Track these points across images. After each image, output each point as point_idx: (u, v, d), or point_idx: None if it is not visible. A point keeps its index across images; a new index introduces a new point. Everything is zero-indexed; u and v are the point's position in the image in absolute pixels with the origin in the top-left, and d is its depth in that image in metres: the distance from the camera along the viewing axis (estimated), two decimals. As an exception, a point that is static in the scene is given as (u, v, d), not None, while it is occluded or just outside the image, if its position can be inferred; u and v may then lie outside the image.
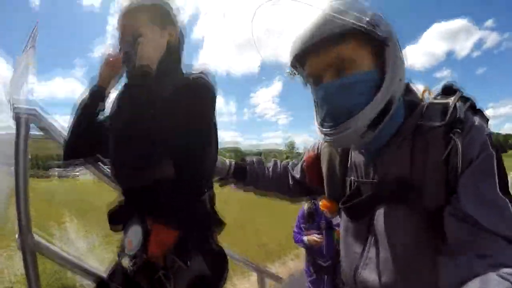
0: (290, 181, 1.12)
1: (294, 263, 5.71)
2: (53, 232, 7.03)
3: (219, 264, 1.00)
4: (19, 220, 1.07)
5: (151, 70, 0.88)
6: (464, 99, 0.69)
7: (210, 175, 1.04)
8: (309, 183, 1.02)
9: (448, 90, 0.73)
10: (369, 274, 0.77)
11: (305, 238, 2.53)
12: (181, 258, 0.89)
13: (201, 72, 0.96)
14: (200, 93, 0.92)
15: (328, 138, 0.72)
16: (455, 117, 0.64)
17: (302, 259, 4.52)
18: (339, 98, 0.68)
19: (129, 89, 0.92)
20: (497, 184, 0.58)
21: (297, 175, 1.09)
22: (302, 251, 3.84)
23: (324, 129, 0.72)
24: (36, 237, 1.10)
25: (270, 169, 1.15)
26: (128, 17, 0.95)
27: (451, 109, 0.66)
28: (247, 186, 1.16)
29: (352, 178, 0.82)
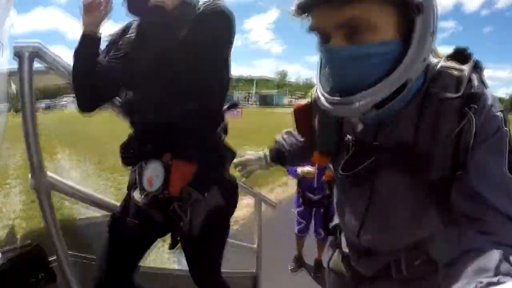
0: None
1: (281, 190, 5.86)
2: (46, 164, 7.11)
3: (231, 193, 1.05)
4: (31, 159, 1.04)
5: (169, 9, 0.83)
6: (476, 66, 0.64)
7: (222, 105, 1.04)
8: (299, 133, 0.97)
9: (460, 55, 0.67)
10: (370, 238, 0.79)
11: (299, 169, 2.63)
12: (199, 190, 0.92)
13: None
14: (219, 22, 0.89)
15: (327, 105, 0.64)
16: (470, 90, 0.60)
17: (290, 188, 4.74)
18: (346, 67, 0.59)
19: (147, 27, 0.86)
20: (506, 163, 0.57)
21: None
22: (291, 180, 3.97)
23: (325, 94, 0.65)
24: (49, 174, 1.08)
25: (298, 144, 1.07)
26: None
27: (465, 81, 0.61)
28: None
29: (349, 137, 0.76)
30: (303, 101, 0.90)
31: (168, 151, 0.88)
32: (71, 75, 0.99)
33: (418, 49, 0.57)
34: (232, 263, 1.19)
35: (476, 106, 0.58)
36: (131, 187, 0.99)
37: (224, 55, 0.93)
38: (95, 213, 1.56)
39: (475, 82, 0.61)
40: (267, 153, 1.08)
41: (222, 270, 1.15)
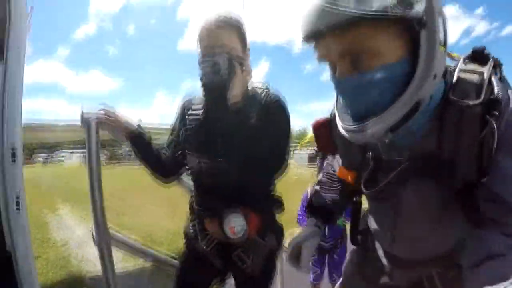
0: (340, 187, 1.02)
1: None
2: (47, 220, 7.04)
3: (280, 235, 1.23)
4: (95, 216, 1.23)
5: (239, 103, 1.08)
6: (495, 66, 0.64)
7: None
8: (319, 150, 1.02)
9: (478, 56, 0.66)
10: (402, 250, 0.82)
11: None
12: (261, 236, 1.11)
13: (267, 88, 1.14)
14: (281, 116, 1.13)
15: (344, 132, 0.66)
16: (491, 94, 0.59)
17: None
18: (355, 96, 0.61)
19: (214, 110, 1.09)
20: None
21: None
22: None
23: (341, 121, 0.67)
24: (111, 231, 1.28)
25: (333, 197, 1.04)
26: (219, 29, 1.04)
27: (485, 85, 0.60)
28: None
29: (370, 154, 0.78)
30: (322, 117, 0.90)
31: (242, 205, 1.07)
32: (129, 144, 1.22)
33: (427, 67, 0.55)
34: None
35: (497, 113, 0.57)
36: (191, 240, 1.21)
37: (287, 137, 1.16)
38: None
39: (495, 85, 0.60)
40: (318, 223, 1.02)
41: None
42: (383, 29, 0.54)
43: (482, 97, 0.59)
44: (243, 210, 1.05)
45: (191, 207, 1.24)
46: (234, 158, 1.06)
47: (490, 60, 0.64)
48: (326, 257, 2.95)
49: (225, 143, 1.08)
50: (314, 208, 1.05)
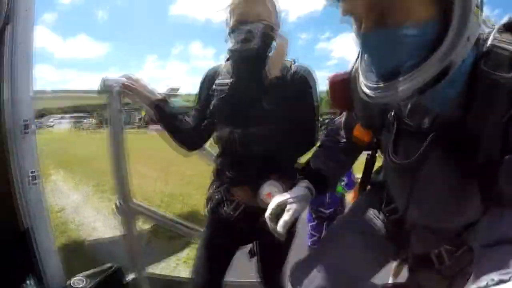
0: (344, 150, 0.99)
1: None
2: (44, 186, 7.01)
3: None
4: (121, 187, 1.22)
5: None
6: None
7: None
8: (334, 106, 0.93)
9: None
10: (417, 215, 0.80)
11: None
12: None
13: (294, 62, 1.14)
14: (311, 89, 1.13)
15: (368, 91, 0.63)
16: None
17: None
18: (380, 53, 0.58)
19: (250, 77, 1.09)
20: None
21: (344, 139, 0.98)
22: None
23: (364, 81, 0.64)
24: (135, 201, 1.27)
25: (331, 158, 0.99)
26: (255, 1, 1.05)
27: None
28: None
29: (393, 116, 0.74)
30: (340, 72, 0.85)
31: (274, 173, 1.08)
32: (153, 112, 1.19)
33: (460, 28, 0.52)
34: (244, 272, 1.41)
35: None
36: (216, 206, 1.21)
37: (315, 103, 1.16)
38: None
39: None
40: (310, 185, 0.92)
41: (233, 279, 1.33)
42: None
43: None
44: (276, 177, 1.06)
45: (216, 174, 1.24)
46: (268, 127, 1.07)
47: None
48: (325, 224, 3.05)
49: (259, 113, 1.08)
50: (310, 170, 0.97)
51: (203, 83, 1.21)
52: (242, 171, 1.13)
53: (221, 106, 1.13)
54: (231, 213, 1.16)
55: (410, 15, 0.52)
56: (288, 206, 0.83)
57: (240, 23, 1.04)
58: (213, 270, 1.23)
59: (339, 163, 0.99)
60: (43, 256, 1.12)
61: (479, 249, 0.58)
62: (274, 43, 1.09)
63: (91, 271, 1.24)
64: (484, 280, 0.48)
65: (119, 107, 1.17)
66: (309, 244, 3.16)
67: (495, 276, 0.47)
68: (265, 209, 0.93)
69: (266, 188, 1.05)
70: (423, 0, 0.52)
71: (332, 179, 0.98)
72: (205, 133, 1.23)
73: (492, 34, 0.59)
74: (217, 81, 1.15)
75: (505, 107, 0.56)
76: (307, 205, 0.90)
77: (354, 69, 0.78)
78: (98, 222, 4.20)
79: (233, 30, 1.05)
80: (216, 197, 1.21)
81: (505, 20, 0.61)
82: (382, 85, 0.59)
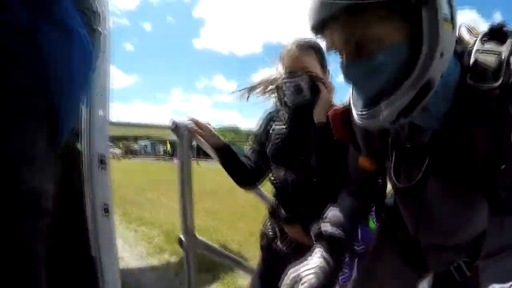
0: (354, 194, 0.97)
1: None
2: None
3: None
4: (185, 222, 1.28)
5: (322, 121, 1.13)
6: None
7: None
8: (337, 139, 0.91)
9: (496, 34, 0.62)
10: (428, 235, 0.81)
11: None
12: None
13: None
14: None
15: (357, 119, 0.65)
16: (509, 77, 0.55)
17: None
18: (361, 82, 0.61)
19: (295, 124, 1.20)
20: None
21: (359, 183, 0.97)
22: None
23: (354, 108, 0.66)
24: (198, 237, 1.33)
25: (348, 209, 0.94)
26: (302, 52, 1.15)
27: (504, 66, 0.56)
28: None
29: (391, 139, 0.75)
30: (339, 106, 0.88)
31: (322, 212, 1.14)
32: (215, 154, 1.30)
33: (431, 44, 0.53)
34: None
35: None
36: (269, 241, 1.33)
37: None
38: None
39: None
40: (325, 254, 0.86)
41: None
42: (383, 13, 0.53)
43: (500, 80, 0.55)
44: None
45: (271, 212, 1.33)
46: (317, 172, 1.15)
47: (510, 38, 0.59)
48: (356, 260, 2.96)
49: (309, 159, 1.16)
50: (323, 237, 0.90)
51: (261, 124, 1.34)
52: (295, 211, 1.22)
53: (276, 151, 1.24)
54: (283, 249, 1.26)
55: (381, 43, 0.55)
56: (303, 280, 0.79)
57: (289, 75, 1.15)
58: None
59: (353, 213, 0.94)
60: (106, 284, 1.18)
61: (482, 260, 0.58)
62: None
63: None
64: None
65: (188, 148, 1.26)
66: (340, 282, 3.05)
67: (497, 285, 0.48)
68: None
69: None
70: (393, 26, 0.55)
71: (348, 237, 0.91)
72: (262, 173, 1.35)
73: (475, 46, 0.61)
74: (273, 126, 1.27)
75: (493, 116, 0.57)
76: (323, 275, 0.81)
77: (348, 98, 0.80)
78: (125, 253, 4.21)
79: (285, 82, 1.17)
80: (270, 233, 1.33)
81: (486, 29, 0.64)
82: (367, 111, 0.61)
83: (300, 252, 1.13)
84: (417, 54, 0.54)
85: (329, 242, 0.87)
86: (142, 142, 31.49)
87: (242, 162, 1.32)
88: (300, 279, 0.79)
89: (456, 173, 0.66)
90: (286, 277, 0.82)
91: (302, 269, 0.82)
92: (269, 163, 1.29)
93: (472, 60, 0.59)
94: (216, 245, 1.51)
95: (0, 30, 0.49)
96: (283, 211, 1.24)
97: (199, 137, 1.26)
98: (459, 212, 0.74)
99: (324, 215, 0.95)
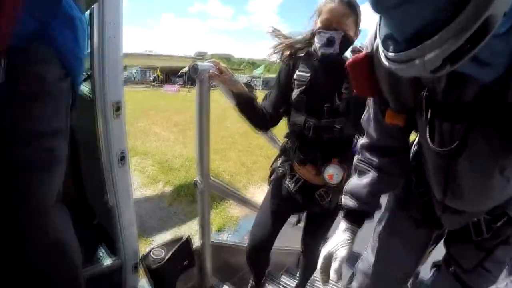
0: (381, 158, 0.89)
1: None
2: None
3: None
4: (201, 165, 1.30)
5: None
6: None
7: None
8: (358, 93, 0.81)
9: None
10: (451, 201, 0.79)
11: None
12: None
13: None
14: None
15: (390, 64, 0.51)
16: None
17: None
18: (397, 12, 0.44)
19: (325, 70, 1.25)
20: None
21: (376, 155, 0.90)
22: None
23: (384, 50, 0.52)
24: (212, 179, 1.38)
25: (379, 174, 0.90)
26: (344, 10, 1.16)
27: None
28: None
29: (425, 93, 0.65)
30: (358, 55, 0.74)
31: (335, 157, 1.28)
32: (233, 99, 1.30)
33: None
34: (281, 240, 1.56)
35: None
36: (279, 178, 1.44)
37: None
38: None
39: None
40: (351, 226, 0.90)
41: (275, 246, 1.50)
42: None
43: None
44: (338, 161, 1.27)
45: (284, 151, 1.45)
46: (337, 119, 1.24)
47: None
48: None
49: (331, 106, 1.24)
50: (348, 211, 0.92)
51: (284, 69, 1.35)
52: (310, 153, 1.31)
53: (300, 97, 1.28)
54: (291, 185, 1.38)
55: None
56: (335, 255, 0.85)
57: (325, 28, 1.18)
58: (268, 231, 1.44)
59: (378, 192, 0.92)
60: (124, 236, 1.24)
61: None
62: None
63: (167, 241, 1.35)
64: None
65: (207, 92, 1.23)
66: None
67: None
68: (319, 186, 1.30)
69: (329, 170, 1.27)
70: None
71: (372, 206, 0.92)
72: (280, 118, 1.40)
73: None
74: (298, 73, 1.29)
75: None
76: (350, 249, 0.87)
77: (375, 45, 0.66)
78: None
79: (318, 32, 1.20)
80: (280, 170, 1.44)
81: None
82: (402, 53, 0.47)
83: (305, 190, 1.36)
84: None
85: (352, 215, 0.91)
86: (132, 69, 30.19)
87: (259, 108, 1.35)
88: (332, 255, 0.86)
89: (495, 138, 0.58)
90: (320, 258, 0.87)
91: (332, 246, 0.87)
92: (288, 108, 1.35)
93: None
94: (226, 185, 1.59)
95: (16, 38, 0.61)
96: (298, 152, 1.33)
97: (218, 81, 1.25)
98: (495, 183, 0.67)
99: (345, 188, 0.96)
